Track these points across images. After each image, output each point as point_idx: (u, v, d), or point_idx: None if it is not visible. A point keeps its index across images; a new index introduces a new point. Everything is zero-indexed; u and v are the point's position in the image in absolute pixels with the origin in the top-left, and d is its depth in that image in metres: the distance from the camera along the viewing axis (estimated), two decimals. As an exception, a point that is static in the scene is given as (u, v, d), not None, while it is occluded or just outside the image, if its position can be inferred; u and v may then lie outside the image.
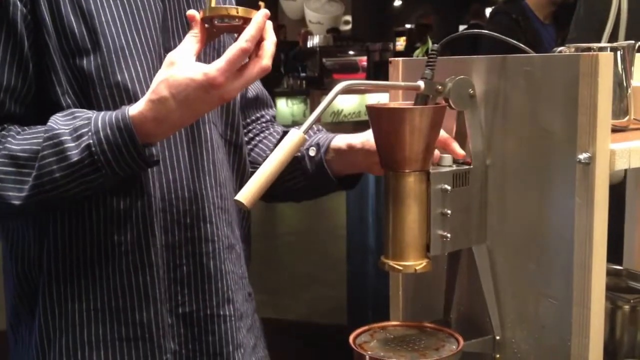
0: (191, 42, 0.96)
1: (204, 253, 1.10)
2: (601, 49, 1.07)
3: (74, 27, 0.98)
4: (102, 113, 0.96)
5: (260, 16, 0.96)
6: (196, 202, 1.08)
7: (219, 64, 0.92)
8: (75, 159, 0.93)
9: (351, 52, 10.60)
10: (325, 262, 4.88)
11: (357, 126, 4.21)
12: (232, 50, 0.92)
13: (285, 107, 8.87)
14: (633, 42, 1.11)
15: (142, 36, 1.03)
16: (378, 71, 10.03)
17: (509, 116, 0.98)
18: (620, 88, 1.08)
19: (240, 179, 1.19)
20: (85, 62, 0.99)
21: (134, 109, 0.95)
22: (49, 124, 0.96)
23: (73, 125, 0.94)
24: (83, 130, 0.94)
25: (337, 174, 1.17)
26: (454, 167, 0.98)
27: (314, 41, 10.66)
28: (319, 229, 6.10)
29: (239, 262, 1.19)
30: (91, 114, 0.96)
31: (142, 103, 0.95)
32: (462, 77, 0.98)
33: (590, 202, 0.87)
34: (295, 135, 0.87)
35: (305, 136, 0.87)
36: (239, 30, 0.98)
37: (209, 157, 1.11)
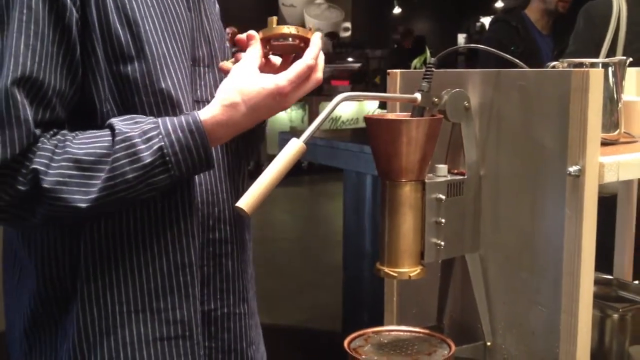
0: (254, 56, 1.06)
1: (224, 254, 1.15)
2: (593, 65, 1.10)
3: (120, 34, 1.01)
4: (168, 118, 1.01)
5: (318, 37, 1.08)
6: (217, 206, 1.13)
7: (289, 74, 1.02)
8: (148, 160, 0.97)
9: (350, 59, 10.64)
10: (321, 268, 4.90)
11: (355, 132, 4.23)
12: (300, 65, 1.03)
13: (284, 112, 8.89)
14: (624, 57, 1.14)
15: (179, 45, 1.07)
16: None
17: (502, 128, 1.01)
18: (612, 102, 1.11)
19: (242, 183, 1.22)
20: (129, 68, 1.01)
21: (204, 114, 1.01)
22: (116, 127, 0.97)
23: (141, 129, 0.98)
24: (152, 134, 0.98)
25: None
26: (449, 177, 1.00)
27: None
28: (314, 234, 6.11)
29: (250, 262, 1.24)
30: (154, 118, 1.00)
31: (214, 108, 1.02)
32: (457, 90, 1.01)
33: (579, 213, 0.90)
34: (295, 145, 0.89)
35: (305, 146, 0.90)
36: (293, 49, 1.08)
37: (224, 162, 1.15)
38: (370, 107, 9.04)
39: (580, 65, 1.10)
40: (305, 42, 1.07)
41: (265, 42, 1.08)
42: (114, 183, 0.96)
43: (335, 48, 11.17)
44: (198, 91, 1.12)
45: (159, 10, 1.05)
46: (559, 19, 3.54)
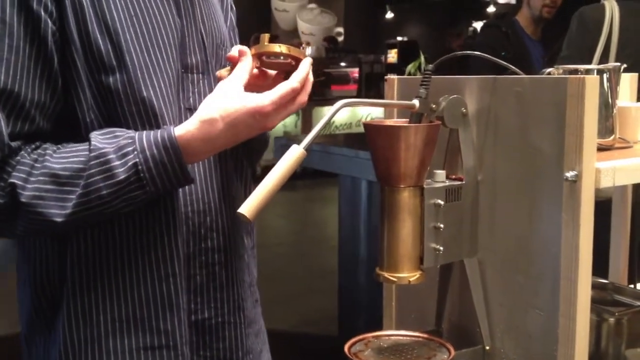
0: (241, 73, 1.04)
1: (217, 263, 1.14)
2: (588, 71, 1.11)
3: (100, 44, 1.01)
4: (145, 132, 1.00)
5: (307, 63, 1.06)
6: (210, 215, 1.12)
7: (272, 95, 1.01)
8: (122, 177, 0.97)
9: (343, 64, 10.65)
10: (316, 272, 4.91)
11: (350, 137, 4.24)
12: (284, 88, 1.01)
13: (277, 117, 8.88)
14: (619, 64, 1.15)
15: (164, 53, 1.06)
16: (369, 83, 10.09)
17: (499, 134, 1.02)
18: (606, 108, 1.13)
19: (244, 190, 1.23)
20: (111, 78, 1.01)
21: (180, 129, 1.00)
22: (92, 142, 0.98)
23: (117, 144, 0.98)
24: (128, 149, 0.98)
25: None
26: (447, 183, 1.01)
27: (306, 52, 10.71)
28: (310, 239, 6.12)
29: (248, 270, 1.23)
30: (132, 133, 1.00)
31: (191, 123, 1.01)
32: (455, 96, 1.02)
33: (576, 218, 0.91)
34: (295, 151, 0.90)
35: (305, 152, 0.91)
36: (284, 67, 1.07)
37: (217, 171, 1.15)
38: (363, 112, 9.06)
39: (575, 71, 1.12)
40: (297, 61, 1.06)
41: (256, 57, 1.08)
42: (87, 199, 0.96)
43: (328, 53, 11.19)
44: (190, 99, 1.11)
45: (142, 18, 1.05)
46: (548, 24, 3.58)
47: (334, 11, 12.86)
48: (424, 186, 0.98)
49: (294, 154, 0.90)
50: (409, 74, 2.86)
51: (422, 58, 2.75)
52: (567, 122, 0.92)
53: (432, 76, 1.02)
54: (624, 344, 1.27)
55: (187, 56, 1.11)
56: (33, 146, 1.00)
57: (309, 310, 4.20)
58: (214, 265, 1.14)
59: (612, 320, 1.26)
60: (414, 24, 13.68)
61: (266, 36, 1.07)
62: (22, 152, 0.98)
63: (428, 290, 1.11)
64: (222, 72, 1.13)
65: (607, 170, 0.94)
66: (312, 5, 12.52)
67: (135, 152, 0.98)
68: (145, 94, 1.03)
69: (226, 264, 1.15)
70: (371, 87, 10.13)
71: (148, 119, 1.03)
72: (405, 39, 11.58)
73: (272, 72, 1.13)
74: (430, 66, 1.03)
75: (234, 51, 1.08)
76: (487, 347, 1.05)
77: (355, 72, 10.24)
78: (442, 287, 1.10)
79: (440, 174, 1.02)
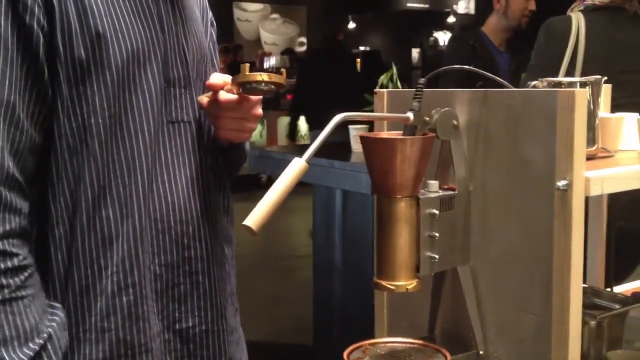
0: None
1: (200, 271, 1.16)
2: (571, 84, 1.16)
3: (83, 57, 1.01)
4: None
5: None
6: (192, 224, 1.14)
7: None
8: None
9: (307, 74, 10.68)
10: (290, 282, 4.92)
11: (325, 148, 4.24)
12: None
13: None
14: (600, 77, 1.20)
15: (148, 68, 1.08)
16: (334, 93, 10.14)
17: (490, 146, 1.05)
18: (589, 119, 1.17)
19: (224, 200, 1.25)
20: (89, 92, 1.02)
21: None
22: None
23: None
24: None
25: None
26: (441, 193, 1.04)
27: (270, 62, 10.72)
28: (284, 248, 6.12)
29: (229, 279, 1.26)
30: None
31: None
32: (446, 109, 1.05)
33: (568, 225, 0.95)
34: (297, 164, 0.92)
35: (307, 164, 0.93)
36: (266, 92, 1.10)
37: (199, 181, 1.17)
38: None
39: (559, 84, 1.16)
40: (278, 86, 1.09)
41: (237, 85, 1.10)
42: None
43: (292, 63, 11.22)
44: (172, 112, 1.13)
45: (127, 33, 1.06)
46: (514, 35, 3.65)
47: (297, 21, 12.91)
48: (420, 196, 1.01)
49: (296, 167, 0.92)
50: (381, 85, 2.90)
51: (394, 69, 2.79)
52: (557, 134, 0.95)
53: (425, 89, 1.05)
54: (605, 346, 1.31)
55: (170, 71, 1.13)
56: (29, 271, 0.99)
57: (284, 319, 4.20)
58: (197, 274, 1.16)
59: (593, 323, 1.30)
60: (375, 34, 13.79)
61: (247, 66, 1.09)
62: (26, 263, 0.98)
63: (419, 297, 1.14)
64: (202, 97, 1.17)
65: (596, 179, 0.98)
66: (275, 16, 12.56)
67: None
68: (126, 107, 1.05)
69: (209, 272, 1.18)
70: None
71: (129, 133, 1.05)
72: (368, 48, 11.69)
73: (253, 97, 1.15)
74: (423, 80, 1.06)
75: (213, 79, 1.13)
76: (481, 352, 1.08)
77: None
78: (435, 294, 1.13)
79: (434, 184, 1.05)
